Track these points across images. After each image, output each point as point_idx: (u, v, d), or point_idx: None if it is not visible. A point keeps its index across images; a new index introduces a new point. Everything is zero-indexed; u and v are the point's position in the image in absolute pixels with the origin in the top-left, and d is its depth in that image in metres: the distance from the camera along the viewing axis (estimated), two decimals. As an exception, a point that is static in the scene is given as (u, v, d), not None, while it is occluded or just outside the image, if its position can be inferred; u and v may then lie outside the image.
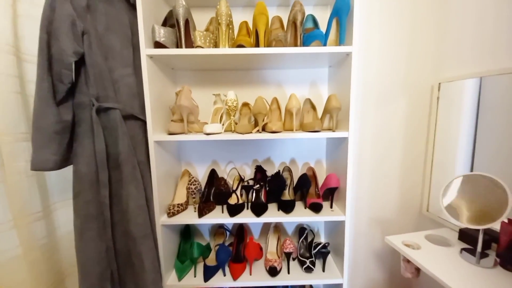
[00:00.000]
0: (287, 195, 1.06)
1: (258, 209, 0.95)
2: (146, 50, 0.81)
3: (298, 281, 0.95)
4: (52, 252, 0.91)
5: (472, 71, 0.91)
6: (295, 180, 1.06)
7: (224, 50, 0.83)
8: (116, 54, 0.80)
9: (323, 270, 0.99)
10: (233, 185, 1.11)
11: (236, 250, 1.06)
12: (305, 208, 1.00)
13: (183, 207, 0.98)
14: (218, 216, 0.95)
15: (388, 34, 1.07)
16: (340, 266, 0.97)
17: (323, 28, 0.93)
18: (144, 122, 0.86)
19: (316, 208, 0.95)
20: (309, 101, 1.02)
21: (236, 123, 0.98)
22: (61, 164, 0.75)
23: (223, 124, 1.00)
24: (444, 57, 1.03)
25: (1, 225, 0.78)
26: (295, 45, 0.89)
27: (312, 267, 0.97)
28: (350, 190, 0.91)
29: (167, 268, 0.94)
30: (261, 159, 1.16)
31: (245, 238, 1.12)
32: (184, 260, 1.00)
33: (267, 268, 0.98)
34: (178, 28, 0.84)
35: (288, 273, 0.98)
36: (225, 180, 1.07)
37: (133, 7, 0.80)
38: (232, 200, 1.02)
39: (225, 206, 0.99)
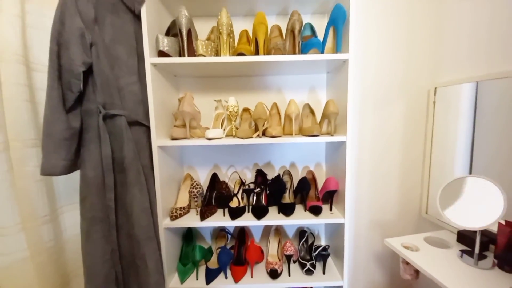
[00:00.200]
0: (287, 198, 1.08)
1: (259, 212, 0.97)
2: (150, 59, 0.84)
3: (299, 283, 0.96)
4: (58, 255, 0.93)
5: (468, 75, 0.93)
6: (295, 183, 1.08)
7: (225, 58, 0.86)
8: (122, 63, 0.83)
9: (324, 273, 1.00)
10: (234, 188, 1.13)
11: (238, 253, 1.07)
12: (305, 211, 1.02)
13: (185, 210, 1.00)
14: (220, 219, 0.97)
15: (386, 40, 1.10)
16: (340, 269, 0.98)
17: (320, 35, 0.96)
18: (148, 128, 0.89)
19: (315, 210, 0.97)
20: (308, 106, 1.04)
21: (237, 128, 1.01)
22: (70, 169, 0.78)
23: (224, 129, 1.02)
24: (441, 62, 1.06)
25: (10, 228, 0.80)
26: (294, 52, 0.92)
27: (312, 269, 0.98)
28: (349, 192, 0.93)
29: (169, 270, 0.95)
30: (261, 163, 1.18)
31: (246, 241, 1.13)
32: (186, 263, 1.02)
33: (268, 271, 0.99)
34: (181, 38, 0.88)
35: (289, 275, 0.99)
36: (227, 184, 1.09)
37: (138, 18, 0.84)
38: (233, 204, 1.04)
39: (226, 210, 1.01)
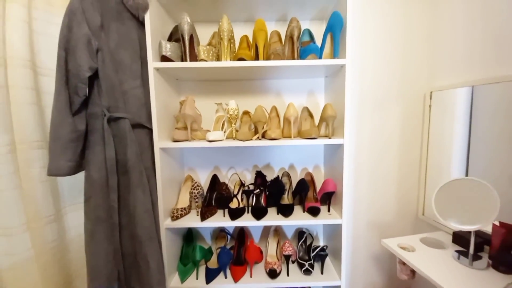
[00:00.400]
0: (286, 199, 1.10)
1: (258, 213, 0.99)
2: (153, 64, 0.87)
3: (297, 283, 0.97)
4: (62, 255, 0.95)
5: (463, 80, 0.96)
6: (294, 184, 1.10)
7: (226, 63, 0.89)
8: (126, 68, 0.86)
9: (322, 273, 1.01)
10: (234, 189, 1.15)
11: (237, 253, 1.09)
12: (304, 211, 1.03)
13: (186, 211, 1.02)
14: (220, 220, 0.99)
15: (382, 45, 1.13)
16: (338, 269, 1.00)
17: (319, 40, 0.99)
18: (150, 130, 0.91)
19: (314, 211, 0.99)
20: (306, 109, 1.07)
21: (237, 131, 1.03)
22: (75, 170, 0.81)
23: (224, 132, 1.05)
24: (436, 67, 1.09)
25: (15, 228, 0.82)
26: (293, 58, 0.95)
27: (311, 269, 1.00)
28: (347, 194, 0.94)
29: (170, 270, 0.97)
30: (261, 165, 1.21)
31: (245, 242, 1.15)
32: (187, 262, 1.03)
33: (267, 271, 1.01)
34: (183, 43, 0.91)
35: (288, 275, 1.01)
36: (227, 185, 1.11)
37: (141, 24, 0.87)
38: (233, 204, 1.06)
39: (226, 210, 1.03)
